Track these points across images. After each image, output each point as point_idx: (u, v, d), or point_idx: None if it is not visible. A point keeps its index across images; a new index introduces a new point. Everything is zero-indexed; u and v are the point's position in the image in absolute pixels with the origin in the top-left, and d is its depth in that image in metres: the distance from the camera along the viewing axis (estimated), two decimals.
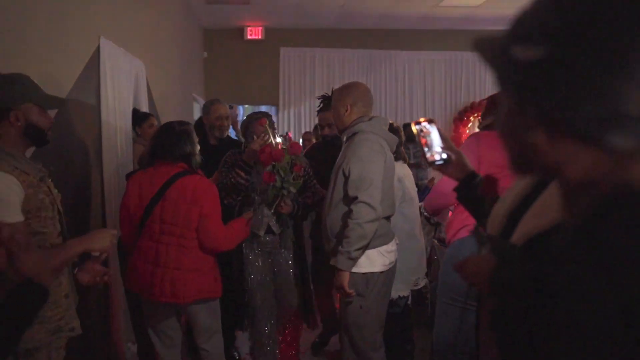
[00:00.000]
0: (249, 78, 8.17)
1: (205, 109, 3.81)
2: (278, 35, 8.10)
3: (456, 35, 8.29)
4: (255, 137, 2.98)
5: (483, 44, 0.71)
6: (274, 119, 8.50)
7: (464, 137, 8.48)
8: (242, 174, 2.91)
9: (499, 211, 1.27)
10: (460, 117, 8.52)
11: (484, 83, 8.56)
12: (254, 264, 3.07)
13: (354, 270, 2.47)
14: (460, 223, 2.45)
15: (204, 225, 2.59)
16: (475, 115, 8.57)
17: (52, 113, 2.17)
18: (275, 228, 3.02)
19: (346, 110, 2.60)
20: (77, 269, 1.83)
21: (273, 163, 2.78)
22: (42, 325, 1.70)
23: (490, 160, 2.20)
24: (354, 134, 2.55)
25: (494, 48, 0.70)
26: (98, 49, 3.26)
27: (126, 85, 3.73)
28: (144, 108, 4.17)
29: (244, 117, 3.34)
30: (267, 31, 8.03)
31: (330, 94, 3.70)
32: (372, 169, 2.42)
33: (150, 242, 2.61)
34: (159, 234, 2.59)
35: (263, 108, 8.52)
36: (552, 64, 0.60)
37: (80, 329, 1.89)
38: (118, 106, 3.50)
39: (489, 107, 2.75)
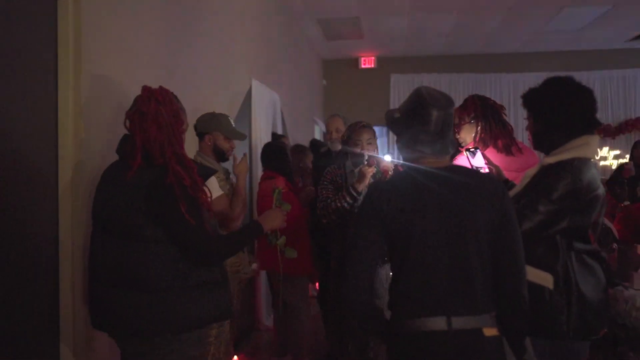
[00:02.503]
0: (362, 102, 9.13)
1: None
2: (389, 64, 9.01)
3: (562, 56, 8.64)
4: (360, 150, 2.97)
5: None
6: (385, 139, 9.37)
7: None
8: (348, 199, 2.80)
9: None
10: None
11: None
12: None
13: None
14: None
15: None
16: None
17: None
18: None
19: None
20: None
21: None
22: (229, 267, 2.71)
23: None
24: None
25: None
26: (250, 88, 4.37)
27: (268, 114, 4.83)
28: (279, 130, 5.25)
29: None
30: (379, 60, 8.97)
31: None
32: None
33: None
34: None
35: (375, 129, 9.38)
36: (395, 124, 1.71)
37: (252, 274, 2.89)
38: (263, 131, 4.59)
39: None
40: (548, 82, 2.02)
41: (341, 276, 1.67)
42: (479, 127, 2.54)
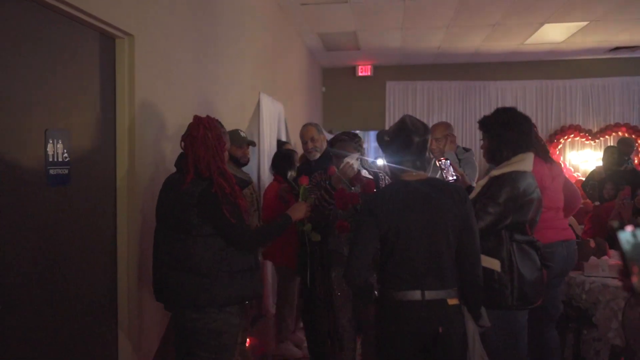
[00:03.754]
0: (359, 107, 9.68)
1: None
2: (384, 72, 9.56)
3: (544, 65, 9.22)
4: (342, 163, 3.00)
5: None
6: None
7: (555, 158, 9.26)
8: (327, 197, 2.98)
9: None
10: (551, 139, 9.31)
11: (573, 108, 9.31)
12: (338, 282, 3.13)
13: None
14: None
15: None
16: (565, 137, 9.34)
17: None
18: None
19: None
20: None
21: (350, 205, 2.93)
22: None
23: (540, 181, 2.84)
24: None
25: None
26: (259, 102, 4.91)
27: (274, 123, 5.37)
28: (283, 137, 5.79)
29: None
30: (375, 68, 9.53)
31: (426, 121, 4.88)
32: None
33: None
34: None
35: (371, 133, 9.96)
36: (385, 145, 2.22)
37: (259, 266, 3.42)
38: (269, 139, 5.14)
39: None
40: (499, 111, 2.58)
41: (347, 262, 2.19)
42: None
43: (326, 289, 3.22)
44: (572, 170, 9.30)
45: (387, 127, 9.83)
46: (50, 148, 2.09)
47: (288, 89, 6.63)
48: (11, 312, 1.87)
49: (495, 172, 2.50)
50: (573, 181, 8.81)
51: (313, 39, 7.64)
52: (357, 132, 9.73)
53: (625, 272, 1.04)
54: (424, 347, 2.09)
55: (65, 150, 2.18)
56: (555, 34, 7.41)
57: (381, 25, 6.93)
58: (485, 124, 2.61)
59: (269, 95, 5.29)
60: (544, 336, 3.05)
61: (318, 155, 3.70)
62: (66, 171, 2.19)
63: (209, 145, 2.27)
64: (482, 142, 2.65)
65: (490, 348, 2.39)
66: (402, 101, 9.65)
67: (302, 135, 3.79)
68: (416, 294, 2.09)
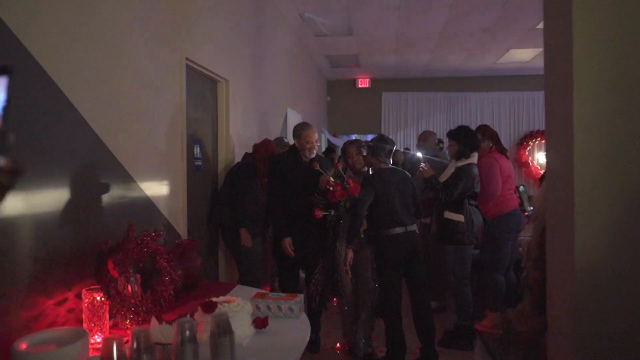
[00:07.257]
0: (359, 114, 11.29)
1: (297, 132, 3.92)
2: (380, 84, 11.18)
3: (516, 79, 10.86)
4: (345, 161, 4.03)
5: None
6: None
7: (524, 158, 10.91)
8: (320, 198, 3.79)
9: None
10: (521, 142, 10.95)
11: (540, 115, 10.96)
12: (341, 257, 3.83)
13: None
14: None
15: None
16: (534, 140, 10.98)
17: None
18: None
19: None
20: None
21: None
22: None
23: (504, 170, 4.56)
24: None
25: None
26: (286, 115, 6.51)
27: None
28: None
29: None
30: (373, 81, 11.14)
31: (416, 126, 6.30)
32: None
33: None
34: None
35: (369, 136, 11.55)
36: (374, 146, 3.78)
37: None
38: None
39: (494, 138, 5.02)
40: (464, 127, 4.16)
41: (354, 213, 3.62)
42: (491, 144, 4.44)
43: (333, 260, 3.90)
44: (540, 168, 10.94)
45: (382, 131, 11.66)
46: (195, 149, 3.68)
47: (302, 100, 8.24)
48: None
49: (459, 164, 4.09)
50: (538, 177, 10.52)
51: (321, 60, 9.24)
52: (356, 135, 11.39)
53: None
54: (406, 260, 3.65)
55: (199, 151, 3.77)
56: (521, 56, 9.04)
57: (379, 49, 8.54)
58: (456, 134, 4.18)
59: (292, 108, 6.89)
60: (507, 274, 4.50)
61: (314, 155, 3.93)
62: (200, 163, 3.78)
63: (266, 148, 3.95)
64: (449, 146, 4.23)
65: (449, 268, 4.05)
66: (395, 109, 11.26)
67: (309, 135, 3.87)
68: (401, 229, 3.62)
